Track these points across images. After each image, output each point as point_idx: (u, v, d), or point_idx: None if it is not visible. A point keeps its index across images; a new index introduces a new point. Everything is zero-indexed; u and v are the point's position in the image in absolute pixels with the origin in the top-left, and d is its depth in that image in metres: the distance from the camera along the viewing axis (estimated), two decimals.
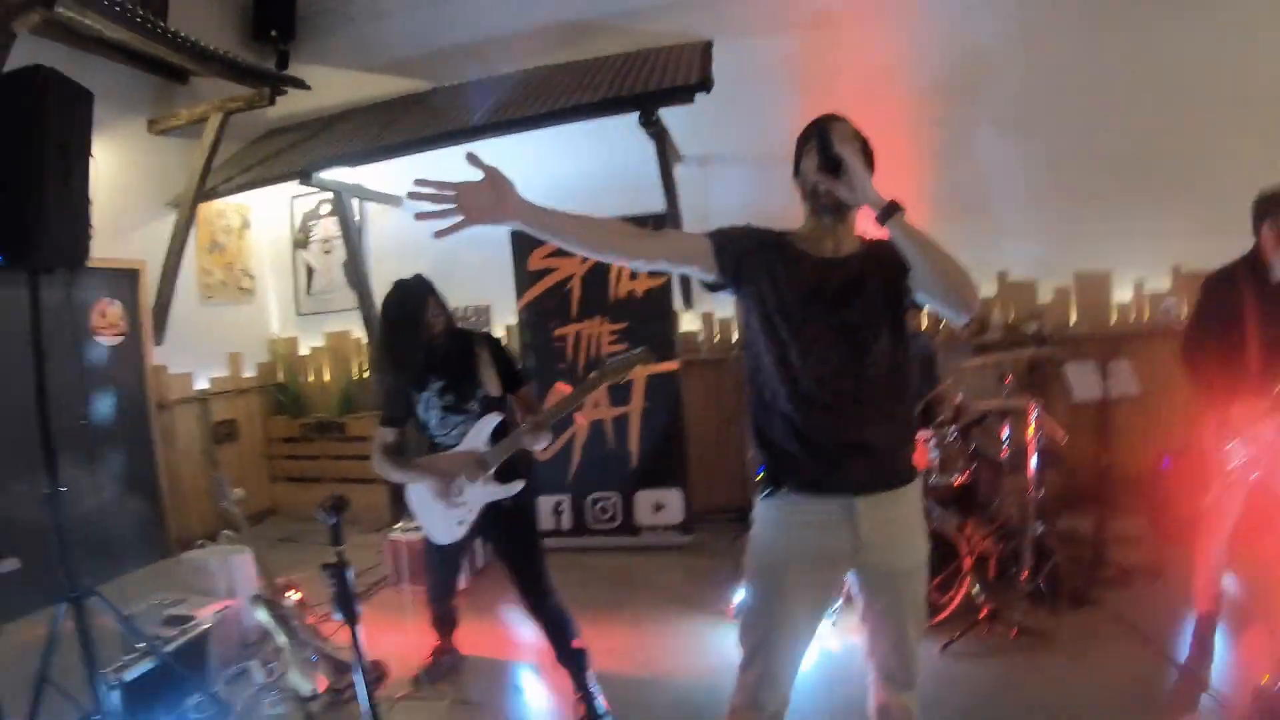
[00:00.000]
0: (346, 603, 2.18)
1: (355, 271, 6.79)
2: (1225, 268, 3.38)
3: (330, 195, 6.81)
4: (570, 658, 3.43)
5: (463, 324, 4.26)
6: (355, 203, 7.00)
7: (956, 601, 3.98)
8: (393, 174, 6.83)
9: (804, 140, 2.15)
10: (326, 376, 7.54)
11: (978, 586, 4.06)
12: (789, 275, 2.09)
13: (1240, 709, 3.06)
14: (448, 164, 6.25)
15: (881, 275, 2.05)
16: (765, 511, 2.18)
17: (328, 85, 7.08)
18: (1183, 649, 3.62)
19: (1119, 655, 3.66)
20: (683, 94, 5.07)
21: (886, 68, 6.05)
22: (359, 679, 2.24)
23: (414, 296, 3.34)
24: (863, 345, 2.05)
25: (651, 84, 5.31)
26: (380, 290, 6.53)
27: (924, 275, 1.94)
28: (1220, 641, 3.61)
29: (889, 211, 1.92)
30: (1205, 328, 3.44)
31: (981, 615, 3.92)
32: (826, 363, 2.04)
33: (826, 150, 1.98)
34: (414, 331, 3.30)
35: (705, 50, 5.69)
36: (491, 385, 3.41)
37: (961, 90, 6.06)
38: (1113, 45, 5.77)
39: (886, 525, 2.06)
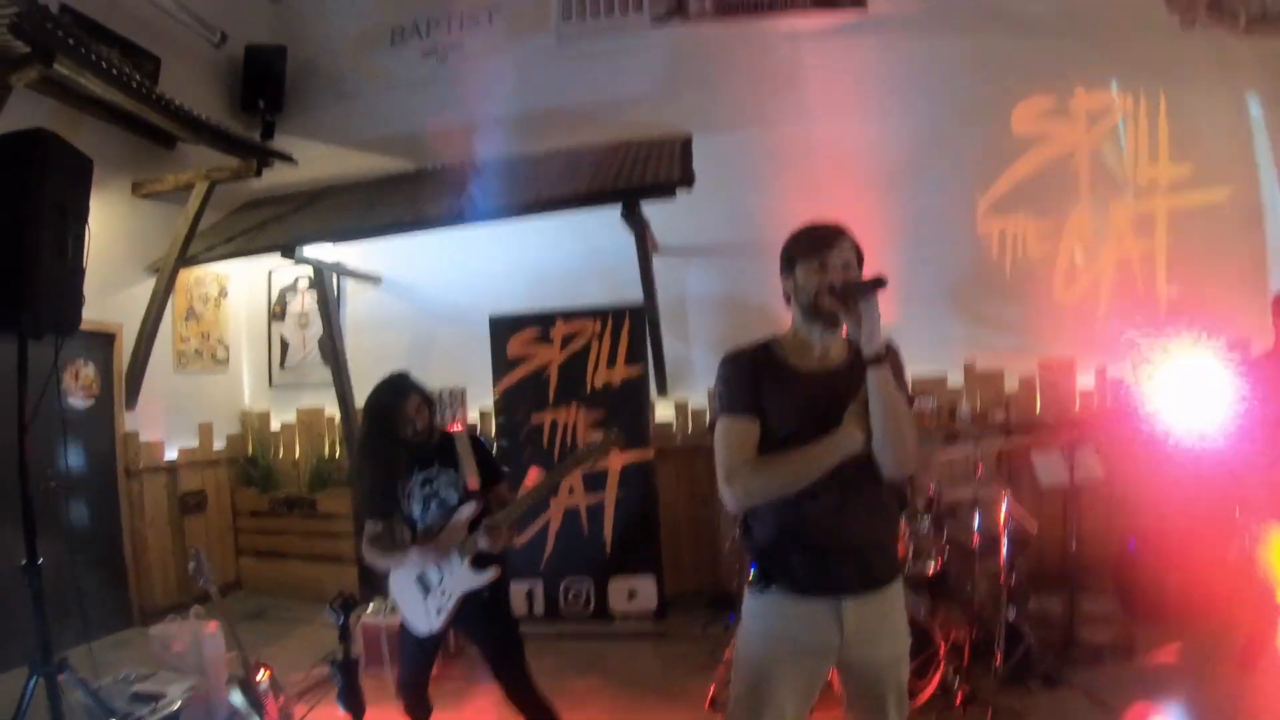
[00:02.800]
0: (353, 699, 2.19)
1: (331, 348, 6.78)
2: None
3: (309, 270, 6.85)
4: None
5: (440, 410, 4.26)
6: (334, 279, 7.06)
7: (933, 687, 4.00)
8: (374, 252, 6.94)
9: (808, 246, 2.19)
10: (297, 452, 7.43)
11: (952, 671, 4.10)
12: (782, 395, 2.16)
13: None
14: (429, 247, 6.46)
15: (863, 388, 2.10)
16: (755, 606, 2.22)
17: (312, 159, 7.16)
18: None
19: None
20: (666, 190, 5.24)
21: (856, 158, 6.34)
22: None
23: (395, 392, 3.35)
24: (856, 458, 2.10)
25: (634, 177, 5.49)
26: (356, 367, 6.67)
27: (880, 428, 2.04)
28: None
29: (878, 361, 2.04)
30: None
31: (958, 700, 3.98)
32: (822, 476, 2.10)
33: (859, 287, 2.08)
34: (394, 426, 3.31)
35: (685, 146, 5.91)
36: (471, 478, 3.42)
37: (929, 179, 6.36)
38: None
39: (871, 621, 2.12)
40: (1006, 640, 4.32)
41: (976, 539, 4.55)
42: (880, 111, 6.50)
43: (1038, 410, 6.22)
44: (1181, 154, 6.28)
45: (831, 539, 2.11)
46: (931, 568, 4.37)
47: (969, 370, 6.34)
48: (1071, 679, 4.28)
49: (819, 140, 6.39)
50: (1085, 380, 6.21)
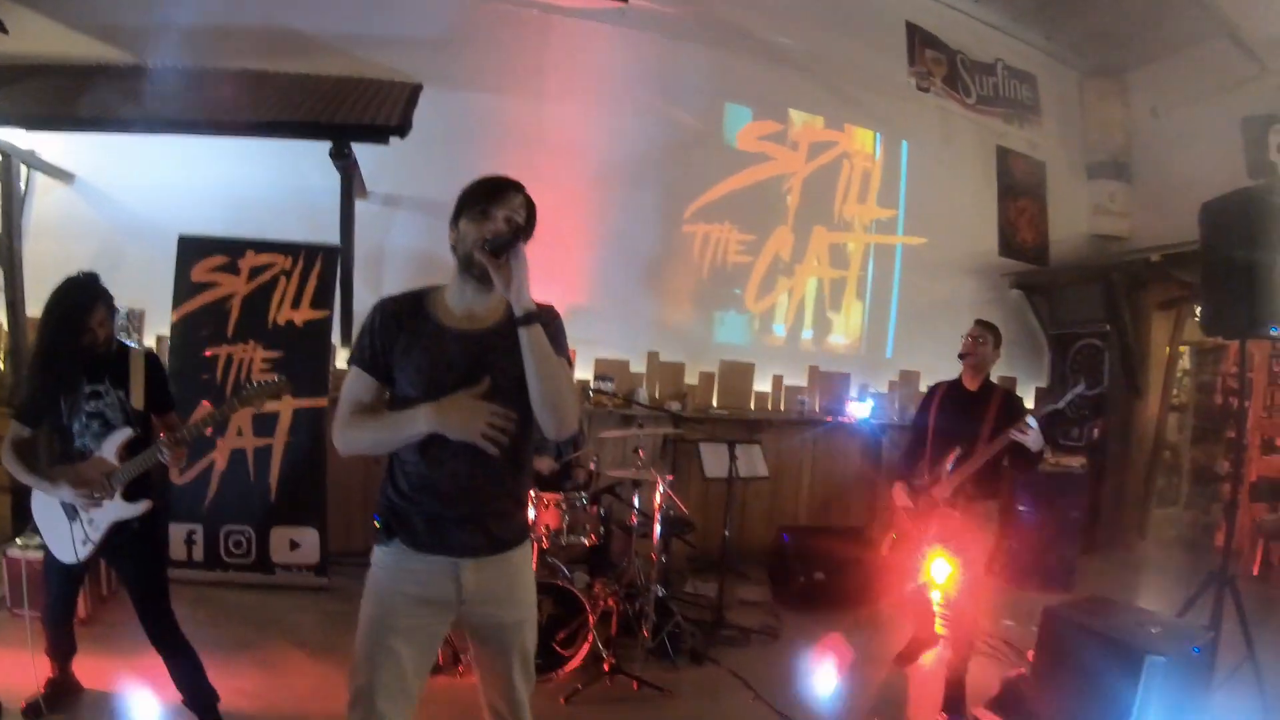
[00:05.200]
0: None
1: (8, 247, 6.09)
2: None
3: None
4: (198, 698, 3.33)
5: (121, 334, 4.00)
6: (23, 170, 6.33)
7: (581, 655, 4.19)
8: (71, 147, 6.26)
9: (472, 198, 2.14)
10: None
11: (602, 641, 4.31)
12: (416, 352, 2.12)
13: None
14: (132, 150, 5.92)
15: (516, 354, 2.07)
16: (378, 557, 2.22)
17: (27, 32, 6.31)
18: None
19: (734, 708, 4.05)
20: (378, 134, 5.08)
21: (583, 144, 6.44)
22: None
23: (83, 297, 3.13)
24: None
25: (352, 116, 5.27)
26: (34, 273, 6.04)
27: (535, 389, 2.04)
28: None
29: (527, 320, 2.01)
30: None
31: (605, 668, 4.17)
32: (448, 443, 2.08)
33: (498, 241, 2.03)
34: (76, 333, 3.10)
35: (413, 93, 5.72)
36: (138, 400, 3.26)
37: (647, 174, 6.55)
38: None
39: (492, 583, 2.18)
40: (658, 616, 4.60)
41: (634, 517, 4.78)
42: (615, 102, 6.66)
43: (714, 404, 6.63)
44: (890, 199, 6.85)
45: (453, 506, 2.12)
46: (588, 541, 4.52)
47: (652, 359, 6.61)
48: (718, 658, 4.60)
49: (552, 117, 6.46)
50: (762, 384, 6.68)
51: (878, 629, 5.20)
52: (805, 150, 6.79)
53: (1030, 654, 3.93)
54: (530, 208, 2.15)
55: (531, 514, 4.53)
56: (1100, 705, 3.31)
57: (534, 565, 2.47)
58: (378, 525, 2.22)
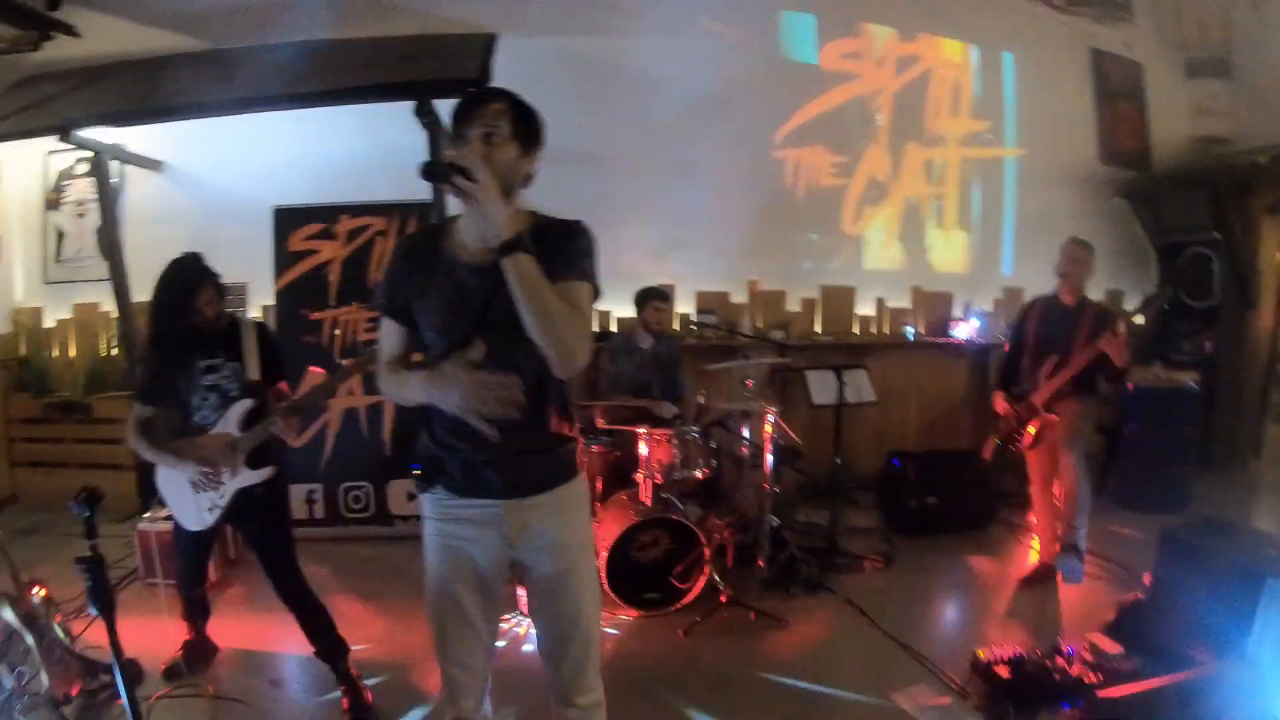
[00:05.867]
0: (103, 599, 2.08)
1: (109, 239, 6.33)
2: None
3: (89, 154, 6.30)
4: (330, 649, 3.41)
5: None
6: (115, 165, 6.52)
7: (698, 588, 4.24)
8: (157, 137, 6.48)
9: (455, 115, 1.93)
10: (73, 351, 6.98)
11: (717, 573, 4.32)
12: (430, 292, 2.00)
13: (958, 679, 3.44)
14: (215, 133, 6.06)
15: None
16: (426, 505, 2.18)
17: (98, 32, 6.55)
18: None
19: (851, 636, 4.00)
20: (458, 87, 5.03)
21: (666, 78, 6.31)
22: (118, 678, 2.13)
23: (188, 277, 3.21)
24: (508, 361, 1.93)
25: (430, 73, 5.28)
26: (136, 259, 6.25)
27: (528, 322, 1.81)
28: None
29: (506, 249, 1.78)
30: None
31: (721, 600, 4.19)
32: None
33: (428, 166, 1.87)
34: (184, 313, 3.19)
35: (488, 44, 5.67)
36: (253, 371, 3.34)
37: (734, 104, 6.40)
38: None
39: (532, 523, 2.07)
40: (771, 547, 4.58)
41: (745, 449, 4.74)
42: (694, 31, 6.47)
43: (817, 331, 6.50)
44: (983, 111, 6.56)
45: (484, 448, 1.98)
46: (700, 474, 4.51)
47: (752, 288, 6.54)
48: (833, 586, 4.55)
49: (630, 53, 6.33)
50: (865, 308, 6.52)
51: (992, 552, 5.12)
52: (892, 65, 6.52)
53: (1147, 578, 3.79)
54: (519, 115, 1.93)
55: (591, 447, 4.70)
56: (1219, 630, 3.18)
57: (590, 508, 2.28)
58: (416, 474, 2.16)
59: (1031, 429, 4.54)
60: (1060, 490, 4.56)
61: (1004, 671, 3.20)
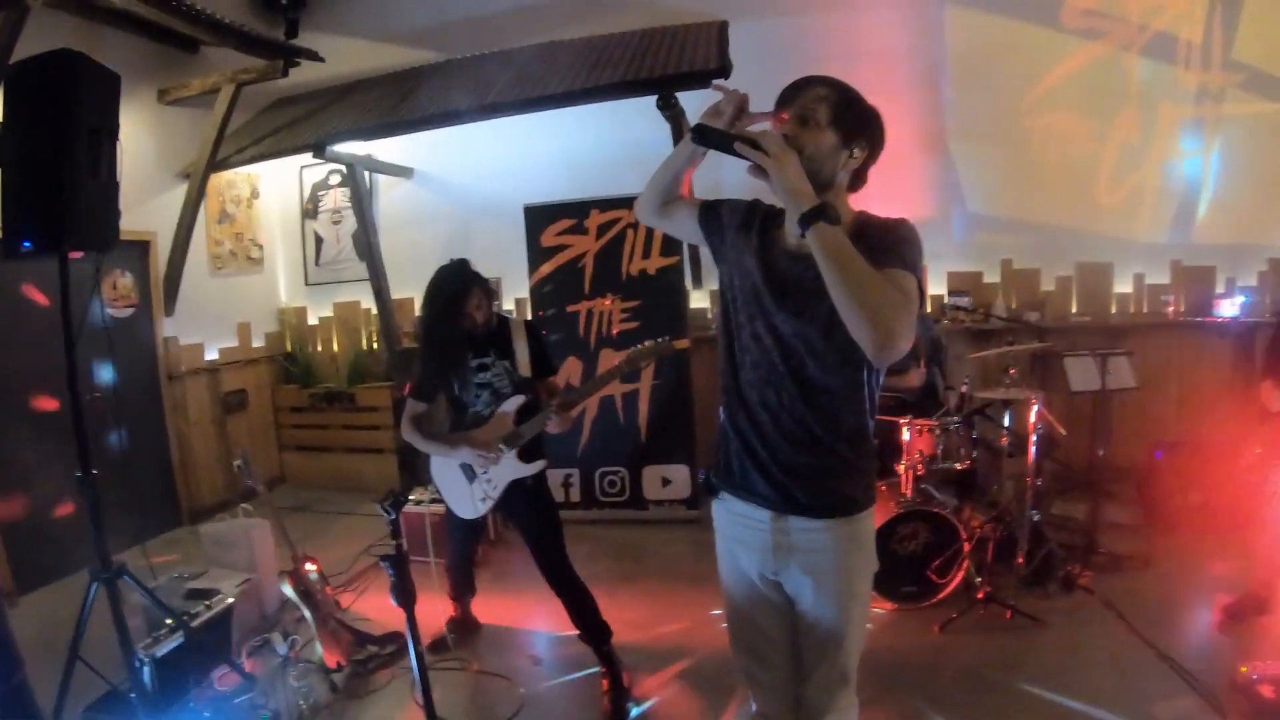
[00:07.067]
0: (406, 591, 2.28)
1: (365, 242, 6.81)
2: None
3: (341, 166, 6.85)
4: (593, 632, 3.53)
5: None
6: (366, 174, 7.02)
7: (955, 582, 4.14)
8: (405, 145, 6.85)
9: (779, 99, 1.90)
10: (335, 347, 7.59)
11: (975, 568, 4.21)
12: (751, 264, 1.93)
13: (1218, 696, 3.18)
14: (462, 138, 6.38)
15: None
16: (714, 513, 2.15)
17: (339, 55, 7.01)
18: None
19: (1109, 641, 3.77)
20: (700, 79, 5.06)
21: (902, 50, 6.12)
22: (416, 661, 2.34)
23: (457, 284, 3.39)
24: (793, 358, 1.88)
25: (669, 66, 5.31)
26: (391, 260, 6.73)
27: (838, 298, 1.66)
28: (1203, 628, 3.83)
29: (808, 219, 1.66)
30: None
31: (979, 596, 4.07)
32: (757, 368, 1.92)
33: (700, 130, 1.81)
34: (455, 318, 3.37)
35: (721, 31, 5.68)
36: (524, 367, 3.51)
37: (974, 74, 6.13)
38: None
39: (801, 553, 1.94)
40: (1029, 542, 4.38)
41: (1005, 439, 4.58)
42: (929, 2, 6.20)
43: (1073, 310, 6.14)
44: (1237, 63, 5.95)
45: (754, 432, 1.94)
46: (960, 465, 4.39)
47: (1005, 267, 6.26)
48: (1090, 585, 4.31)
49: (861, 28, 6.13)
50: (1122, 285, 6.11)
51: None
52: (1135, 18, 5.98)
53: None
54: (841, 104, 1.83)
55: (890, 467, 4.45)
56: None
57: (871, 553, 2.04)
58: (702, 480, 2.13)
59: None
60: None
61: (1268, 691, 2.97)
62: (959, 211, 6.27)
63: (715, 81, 1.89)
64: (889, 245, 1.76)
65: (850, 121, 1.83)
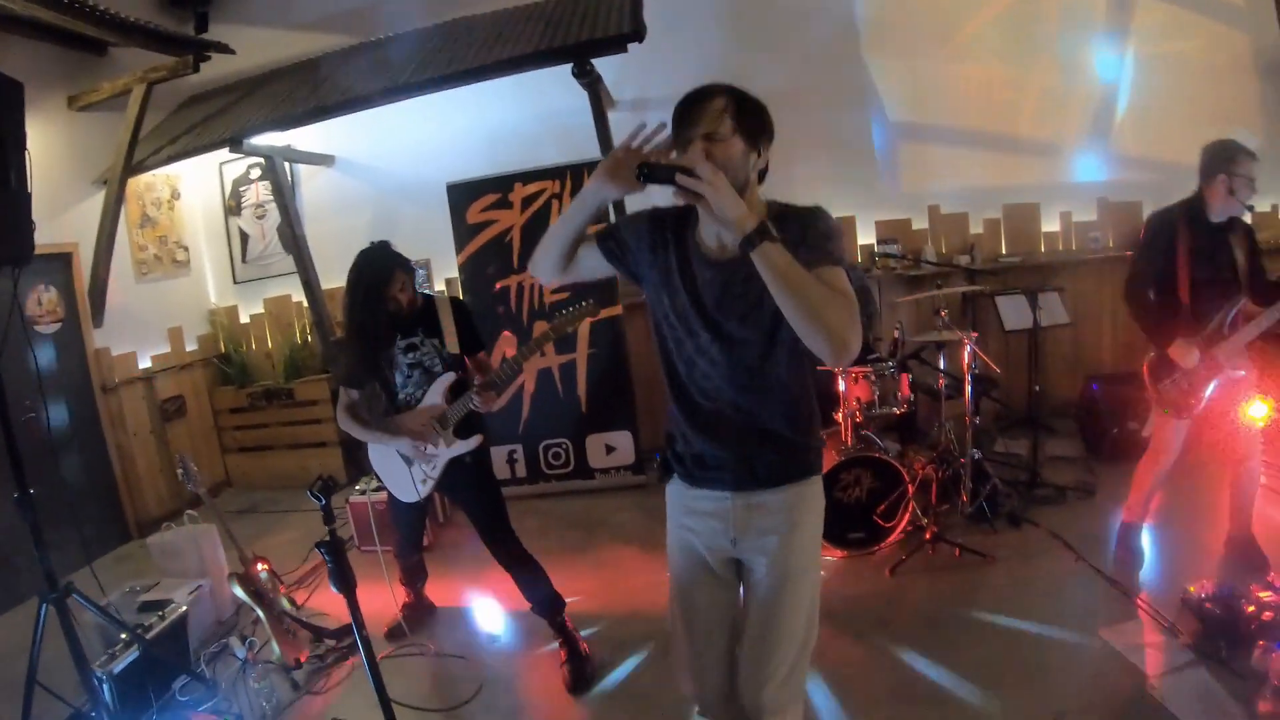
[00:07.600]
0: (344, 578, 2.24)
1: (291, 235, 6.68)
2: (1168, 208, 3.51)
3: (260, 159, 6.68)
4: (546, 605, 3.54)
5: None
6: (286, 165, 6.90)
7: (902, 525, 4.21)
8: (323, 133, 6.72)
9: (674, 119, 1.85)
10: (269, 343, 7.44)
11: (921, 509, 4.30)
12: (679, 283, 1.94)
13: (1168, 615, 3.27)
14: (380, 121, 6.27)
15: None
16: (668, 495, 2.17)
17: (250, 46, 6.83)
18: (1109, 559, 3.89)
19: (1058, 571, 3.87)
20: (615, 44, 5.04)
21: (816, 6, 6.10)
22: (362, 646, 2.30)
23: (380, 267, 3.33)
24: (742, 362, 1.91)
25: (583, 33, 5.26)
26: (318, 250, 6.60)
27: (790, 314, 1.70)
28: (1150, 551, 3.91)
29: (750, 242, 1.67)
30: (1151, 264, 3.53)
31: (926, 537, 4.16)
32: (709, 378, 1.95)
33: (644, 169, 1.74)
34: (379, 302, 3.32)
35: None
36: (452, 345, 3.48)
37: (895, 27, 6.16)
38: None
39: (762, 524, 1.99)
40: (973, 480, 4.47)
41: (942, 381, 4.64)
42: None
43: (1003, 252, 6.25)
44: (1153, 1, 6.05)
45: (711, 436, 1.98)
46: (898, 409, 4.44)
47: (933, 212, 6.33)
48: (1036, 519, 4.42)
49: None
50: (1049, 224, 6.23)
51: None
52: None
53: None
54: (740, 110, 1.82)
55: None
56: None
57: (820, 516, 2.09)
58: (657, 463, 2.16)
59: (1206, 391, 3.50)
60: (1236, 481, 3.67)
61: (1216, 608, 3.02)
62: (881, 160, 6.33)
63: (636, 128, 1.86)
64: (814, 242, 1.78)
65: (751, 124, 1.84)
